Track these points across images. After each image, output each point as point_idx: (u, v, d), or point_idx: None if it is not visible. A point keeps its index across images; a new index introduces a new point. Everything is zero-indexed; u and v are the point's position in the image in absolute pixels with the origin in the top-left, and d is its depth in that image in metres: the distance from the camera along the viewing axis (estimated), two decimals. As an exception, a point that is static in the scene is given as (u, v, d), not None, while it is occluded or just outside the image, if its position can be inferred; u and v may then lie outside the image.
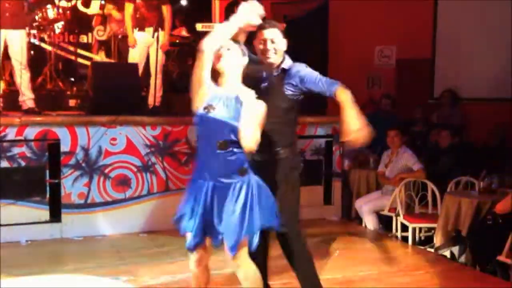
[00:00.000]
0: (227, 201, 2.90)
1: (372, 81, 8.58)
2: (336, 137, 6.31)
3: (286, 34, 7.10)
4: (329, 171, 6.35)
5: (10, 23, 5.71)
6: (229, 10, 7.09)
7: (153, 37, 6.21)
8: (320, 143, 6.26)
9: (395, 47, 8.50)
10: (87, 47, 7.50)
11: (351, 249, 5.09)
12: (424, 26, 8.18)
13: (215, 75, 3.06)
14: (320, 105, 6.12)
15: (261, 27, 3.23)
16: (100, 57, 7.50)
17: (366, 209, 5.90)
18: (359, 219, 6.15)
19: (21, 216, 5.17)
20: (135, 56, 6.43)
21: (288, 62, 3.31)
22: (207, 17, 8.28)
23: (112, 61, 6.93)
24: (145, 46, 6.42)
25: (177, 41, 7.87)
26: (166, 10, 6.46)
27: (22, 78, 5.80)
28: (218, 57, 3.00)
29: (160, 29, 6.27)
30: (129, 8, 6.42)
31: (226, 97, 2.98)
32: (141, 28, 6.38)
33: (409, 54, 8.22)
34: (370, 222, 5.90)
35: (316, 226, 5.84)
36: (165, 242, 5.16)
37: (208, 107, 2.96)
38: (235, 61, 3.02)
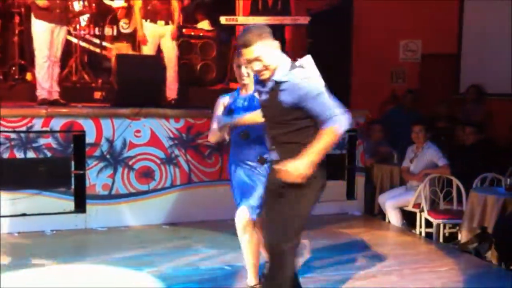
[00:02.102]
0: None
1: (396, 76, 8.49)
2: (360, 131, 6.27)
3: (310, 28, 7.03)
4: (352, 165, 6.32)
5: (59, 18, 5.80)
6: (256, 3, 7.08)
7: (164, 28, 6.27)
8: (343, 137, 6.23)
9: (420, 41, 8.40)
10: (111, 39, 7.54)
11: (375, 245, 5.06)
12: (450, 21, 8.06)
13: None
14: (342, 99, 6.07)
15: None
16: (125, 49, 7.53)
17: (390, 204, 5.85)
18: (382, 215, 6.11)
19: (46, 206, 5.24)
20: (147, 49, 6.48)
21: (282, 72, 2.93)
22: (231, 10, 8.26)
23: (137, 53, 6.96)
24: (157, 38, 6.44)
25: (201, 34, 7.88)
26: (176, 2, 6.50)
27: (54, 71, 5.87)
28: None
29: (170, 21, 6.35)
30: (138, 1, 6.47)
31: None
32: (153, 21, 6.42)
33: (435, 49, 8.11)
34: (393, 218, 5.85)
35: (339, 221, 5.81)
36: (188, 234, 5.20)
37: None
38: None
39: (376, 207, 6.25)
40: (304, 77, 2.88)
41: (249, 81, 3.45)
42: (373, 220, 6.14)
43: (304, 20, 7.00)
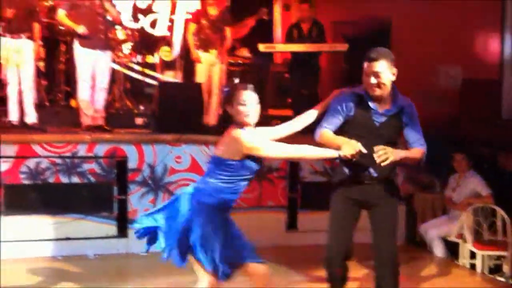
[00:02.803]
0: None
1: (435, 102, 8.39)
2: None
3: (346, 54, 7.03)
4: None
5: (102, 46, 5.98)
6: (291, 31, 7.17)
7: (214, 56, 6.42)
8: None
9: (460, 67, 8.31)
10: (153, 67, 7.71)
11: (416, 276, 4.95)
12: (491, 47, 7.96)
13: None
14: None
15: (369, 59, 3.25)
16: (166, 76, 7.69)
17: (432, 234, 5.74)
18: (424, 244, 5.99)
19: (89, 231, 5.34)
20: (201, 73, 6.61)
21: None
22: (267, 38, 8.38)
23: (178, 81, 7.10)
24: (208, 66, 6.57)
25: (240, 61, 7.99)
26: (228, 31, 6.63)
27: (99, 98, 6.04)
28: None
29: (221, 49, 6.49)
30: (192, 27, 6.64)
31: None
32: (205, 49, 6.55)
33: (475, 75, 8.00)
34: (436, 248, 5.73)
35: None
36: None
37: None
38: None
39: (418, 236, 6.14)
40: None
41: (380, 92, 3.36)
42: (414, 249, 6.02)
43: (342, 47, 7.03)
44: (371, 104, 3.29)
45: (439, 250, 5.71)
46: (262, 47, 7.08)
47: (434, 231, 5.75)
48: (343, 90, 3.45)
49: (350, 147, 3.10)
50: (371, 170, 3.31)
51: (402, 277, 3.44)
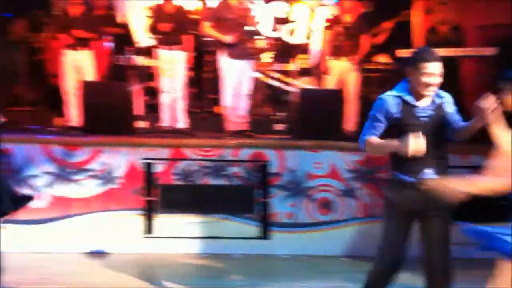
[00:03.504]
0: None
1: None
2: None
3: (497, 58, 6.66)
4: None
5: (244, 55, 6.32)
6: (429, 35, 6.98)
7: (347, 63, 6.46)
8: None
9: None
10: (291, 74, 7.90)
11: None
12: None
13: None
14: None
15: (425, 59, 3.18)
16: (304, 83, 7.85)
17: None
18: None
19: (233, 231, 5.61)
20: (331, 82, 6.68)
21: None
22: (406, 43, 8.20)
23: (318, 87, 7.23)
24: (340, 73, 6.62)
25: (378, 67, 7.93)
26: (364, 38, 6.62)
27: (242, 105, 6.38)
28: None
29: (356, 56, 6.51)
30: (327, 34, 6.73)
31: None
32: (337, 56, 6.61)
33: None
34: None
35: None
36: (367, 268, 5.17)
37: None
38: None
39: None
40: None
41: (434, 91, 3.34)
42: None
43: (489, 51, 6.72)
44: (413, 102, 3.24)
45: None
46: (400, 53, 6.97)
47: None
48: (381, 96, 3.36)
49: (415, 142, 3.02)
50: (427, 171, 3.19)
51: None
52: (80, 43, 6.48)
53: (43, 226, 5.50)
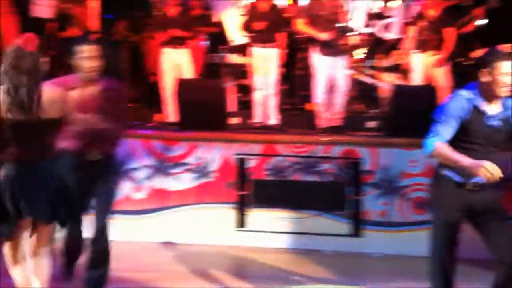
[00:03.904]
0: None
1: None
2: None
3: None
4: None
5: (337, 52, 6.33)
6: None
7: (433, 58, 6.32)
8: None
9: None
10: (384, 70, 7.77)
11: None
12: None
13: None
14: None
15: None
16: (396, 80, 7.68)
17: None
18: None
19: (325, 227, 5.61)
20: (420, 78, 6.52)
21: None
22: (506, 38, 7.79)
23: (412, 84, 7.05)
24: (425, 68, 6.45)
25: (473, 62, 7.59)
26: (448, 32, 6.38)
27: (335, 101, 6.40)
28: None
29: (439, 51, 6.35)
30: (412, 29, 6.60)
31: None
32: (422, 50, 6.42)
33: None
34: None
35: None
36: (460, 270, 4.98)
37: None
38: None
39: None
40: None
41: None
42: None
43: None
44: (484, 107, 3.08)
45: None
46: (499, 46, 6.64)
47: None
48: (454, 96, 3.20)
49: (488, 170, 2.88)
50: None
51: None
52: (178, 42, 6.75)
53: (142, 216, 5.79)
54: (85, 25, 7.68)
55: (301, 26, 6.44)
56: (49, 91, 3.15)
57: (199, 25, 7.15)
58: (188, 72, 6.87)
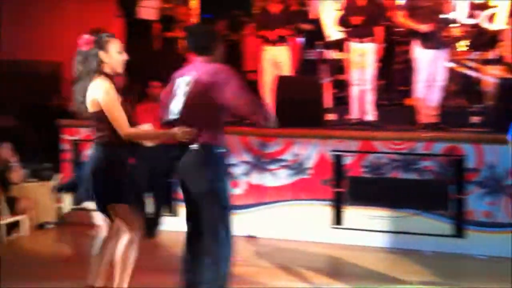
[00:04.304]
0: None
1: None
2: None
3: None
4: None
5: (439, 44, 6.11)
6: None
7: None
8: None
9: None
10: (489, 63, 7.37)
11: None
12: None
13: None
14: None
15: None
16: (501, 73, 7.27)
17: None
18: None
19: (425, 227, 5.43)
20: None
21: None
22: None
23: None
24: None
25: None
26: None
27: (436, 96, 6.13)
28: None
29: None
30: None
31: None
32: None
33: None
34: None
35: None
36: None
37: None
38: None
39: None
40: None
41: None
42: None
43: None
44: None
45: None
46: None
47: None
48: None
49: None
50: None
51: None
52: (279, 40, 6.82)
53: (240, 211, 5.90)
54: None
55: (402, 18, 6.25)
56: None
57: (298, 21, 7.16)
58: (287, 69, 6.92)
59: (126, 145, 3.38)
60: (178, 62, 7.10)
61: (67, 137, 6.07)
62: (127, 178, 3.39)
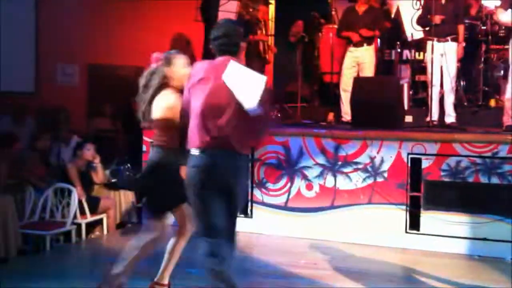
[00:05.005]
0: None
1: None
2: None
3: None
4: None
5: None
6: None
7: None
8: None
9: None
10: None
11: None
12: None
13: None
14: None
15: None
16: None
17: None
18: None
19: (507, 234, 5.18)
20: None
21: None
22: None
23: None
24: None
25: None
26: None
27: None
28: None
29: None
30: None
31: None
32: None
33: None
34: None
35: None
36: None
37: None
38: None
39: None
40: None
41: None
42: None
43: None
44: None
45: None
46: None
47: None
48: None
49: None
50: None
51: None
52: (363, 40, 6.73)
53: (312, 214, 5.88)
54: (268, 28, 8.01)
55: (501, 15, 5.89)
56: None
57: (381, 21, 7.01)
58: (370, 70, 6.80)
59: (183, 150, 3.51)
60: (258, 64, 7.26)
61: (146, 138, 6.29)
62: (183, 180, 3.51)
